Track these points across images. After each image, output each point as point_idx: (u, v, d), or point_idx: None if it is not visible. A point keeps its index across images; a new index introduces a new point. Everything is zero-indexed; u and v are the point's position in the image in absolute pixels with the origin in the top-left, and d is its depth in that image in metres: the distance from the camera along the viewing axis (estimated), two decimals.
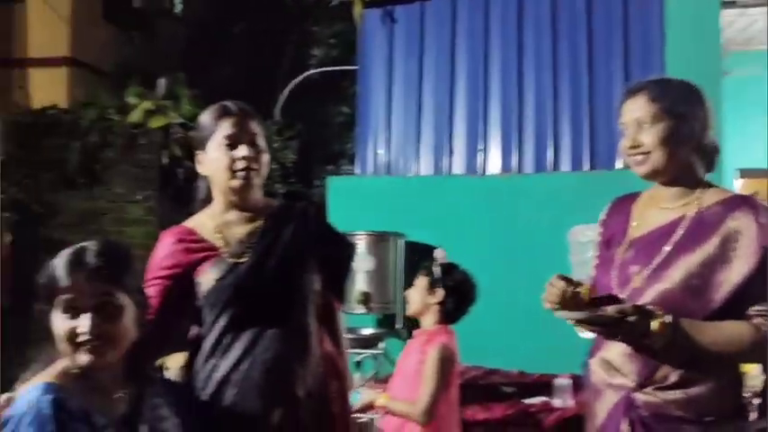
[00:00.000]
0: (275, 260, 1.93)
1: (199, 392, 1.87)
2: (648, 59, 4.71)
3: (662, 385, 1.73)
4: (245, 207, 2.00)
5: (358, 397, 2.66)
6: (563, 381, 3.35)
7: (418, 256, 4.10)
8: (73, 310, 1.52)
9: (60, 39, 8.27)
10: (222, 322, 1.89)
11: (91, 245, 1.57)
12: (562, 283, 1.73)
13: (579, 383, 2.99)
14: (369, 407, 2.65)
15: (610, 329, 1.71)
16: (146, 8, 8.57)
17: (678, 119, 1.79)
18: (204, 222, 2.00)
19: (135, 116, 5.78)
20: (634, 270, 1.79)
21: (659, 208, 1.85)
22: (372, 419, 3.01)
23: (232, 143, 1.95)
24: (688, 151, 1.81)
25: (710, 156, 1.86)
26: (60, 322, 1.53)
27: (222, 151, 1.95)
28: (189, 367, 1.95)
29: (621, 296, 1.77)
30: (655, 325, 1.66)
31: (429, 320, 2.69)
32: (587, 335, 1.84)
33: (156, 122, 5.76)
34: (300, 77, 7.68)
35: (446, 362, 2.55)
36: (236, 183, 1.95)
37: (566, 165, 4.89)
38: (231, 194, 1.98)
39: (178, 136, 5.66)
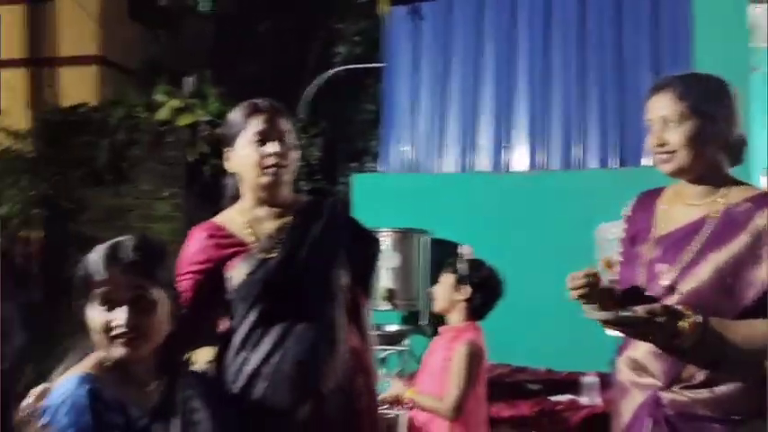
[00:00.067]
0: (304, 255, 1.95)
1: (229, 385, 1.89)
2: (676, 55, 4.66)
3: (689, 384, 1.72)
4: (274, 203, 2.02)
5: (387, 387, 2.67)
6: (590, 379, 3.33)
7: (443, 254, 4.11)
8: (109, 303, 1.55)
9: (89, 38, 8.40)
10: (252, 316, 1.91)
11: (127, 239, 1.60)
12: (584, 273, 1.74)
13: (607, 381, 2.98)
14: (396, 400, 2.66)
15: (639, 330, 1.70)
16: (171, 6, 8.67)
17: (705, 117, 1.77)
18: (234, 218, 2.02)
19: (162, 114, 5.85)
20: (662, 268, 1.78)
21: (685, 204, 1.83)
22: (398, 416, 3.01)
23: (262, 140, 1.97)
24: (714, 149, 1.79)
25: (737, 150, 1.84)
26: (96, 315, 1.56)
27: (252, 148, 1.97)
28: (217, 362, 1.98)
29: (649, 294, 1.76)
30: (684, 325, 1.65)
31: (456, 317, 2.68)
32: (615, 333, 1.83)
33: (183, 120, 5.82)
34: (325, 75, 7.71)
35: (474, 358, 2.55)
36: (265, 179, 1.97)
37: (593, 162, 4.86)
38: (260, 191, 2.00)
39: (205, 133, 5.72)
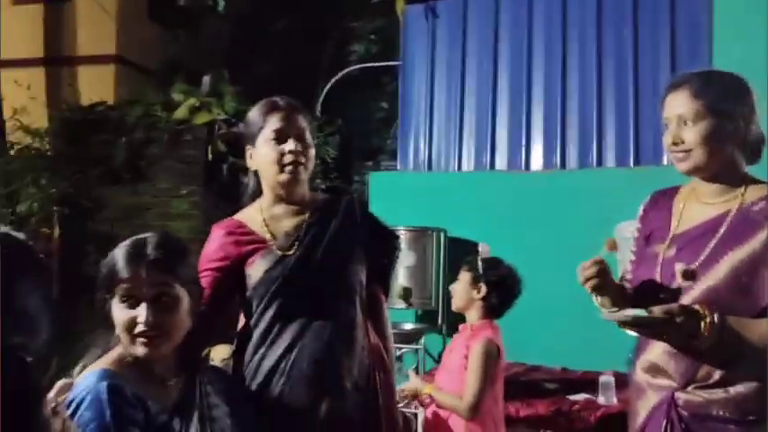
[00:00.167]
0: (322, 252, 1.97)
1: (248, 381, 1.90)
2: (695, 51, 4.62)
3: (704, 384, 1.71)
4: (292, 200, 2.03)
5: (407, 379, 2.68)
6: (607, 378, 3.32)
7: (459, 252, 4.10)
8: (131, 300, 1.57)
9: (108, 37, 8.45)
10: (271, 313, 1.92)
11: (150, 237, 1.62)
12: (591, 261, 1.77)
13: (623, 381, 2.96)
14: (414, 395, 2.66)
15: (656, 330, 1.69)
16: (189, 6, 8.70)
17: (721, 116, 1.75)
18: (253, 216, 2.03)
19: (180, 113, 5.88)
20: (679, 267, 1.76)
21: (702, 203, 1.82)
22: (416, 414, 3.02)
23: (280, 138, 1.98)
24: (731, 148, 1.77)
25: (755, 149, 1.82)
26: (119, 312, 1.58)
27: (271, 146, 1.98)
28: (236, 358, 1.99)
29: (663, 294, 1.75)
30: (702, 325, 1.64)
31: (473, 315, 2.68)
32: (632, 333, 1.83)
33: (200, 119, 5.84)
34: (341, 74, 7.72)
35: (491, 356, 2.54)
36: (284, 177, 1.98)
37: (610, 160, 4.83)
38: (279, 188, 2.01)
39: (222, 132, 5.74)
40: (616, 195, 4.30)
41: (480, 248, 2.78)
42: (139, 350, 1.57)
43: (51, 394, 1.54)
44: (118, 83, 8.25)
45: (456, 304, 2.73)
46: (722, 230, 1.75)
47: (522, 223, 4.55)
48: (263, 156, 2.00)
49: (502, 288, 2.66)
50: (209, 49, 7.82)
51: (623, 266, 2.00)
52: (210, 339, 2.08)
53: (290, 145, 1.97)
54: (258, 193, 2.07)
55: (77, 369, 1.61)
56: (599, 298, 1.88)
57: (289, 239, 1.98)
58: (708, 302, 1.68)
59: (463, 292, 2.69)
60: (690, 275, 1.73)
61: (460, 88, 5.28)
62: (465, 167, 5.23)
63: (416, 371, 3.89)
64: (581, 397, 3.36)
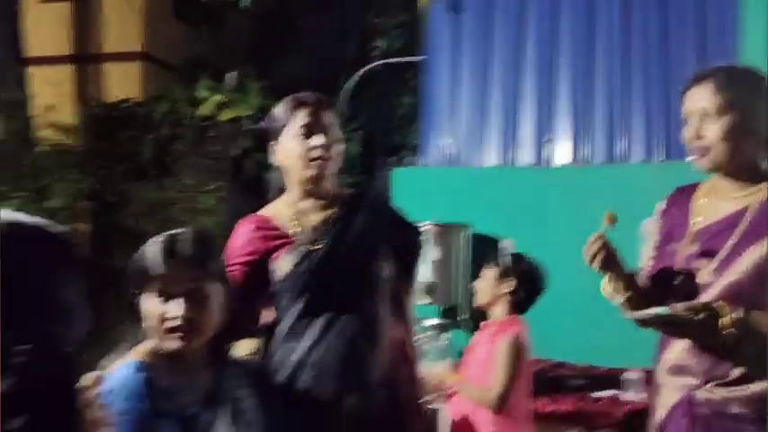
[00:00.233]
0: (348, 247, 1.98)
1: (275, 375, 1.92)
2: (723, 46, 4.55)
3: (723, 381, 1.69)
4: (319, 195, 2.04)
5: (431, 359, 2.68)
6: (633, 374, 3.30)
7: (484, 248, 4.09)
8: (165, 295, 1.60)
9: (134, 34, 8.55)
10: (298, 307, 1.94)
11: (183, 233, 1.65)
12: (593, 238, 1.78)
13: (650, 377, 2.94)
14: (441, 384, 2.66)
15: (678, 328, 1.68)
16: (213, 3, 8.78)
17: (744, 111, 1.73)
18: (280, 211, 2.05)
19: (206, 109, 5.94)
20: (699, 263, 1.75)
21: (722, 199, 1.80)
22: (440, 409, 3.02)
23: (307, 133, 1.99)
24: (752, 144, 1.75)
25: None
26: (153, 306, 1.60)
27: (297, 141, 2.00)
28: (263, 352, 2.01)
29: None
30: (726, 321, 1.63)
31: (499, 311, 2.68)
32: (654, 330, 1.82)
33: (226, 115, 5.90)
34: (364, 69, 7.73)
35: (518, 352, 2.54)
36: (310, 172, 1.99)
37: (637, 155, 4.77)
38: (306, 183, 2.02)
39: (248, 128, 5.78)
40: (643, 191, 4.27)
41: (504, 244, 2.78)
42: (172, 344, 1.60)
43: (84, 385, 1.56)
44: (144, 80, 8.35)
45: (480, 300, 2.73)
46: (743, 225, 1.73)
47: (546, 219, 4.52)
48: (289, 151, 2.01)
49: (528, 283, 2.66)
50: (233, 45, 7.87)
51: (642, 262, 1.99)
52: (239, 333, 2.10)
53: (317, 140, 1.98)
54: (283, 188, 2.09)
55: (107, 361, 1.64)
56: (611, 284, 1.86)
57: (315, 234, 1.99)
58: (730, 298, 1.66)
59: (489, 288, 2.69)
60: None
61: (485, 82, 5.25)
62: (489, 163, 5.21)
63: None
64: (606, 393, 3.34)
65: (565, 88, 5.00)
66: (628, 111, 4.81)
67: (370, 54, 9.26)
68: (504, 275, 2.65)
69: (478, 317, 2.85)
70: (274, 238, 1.99)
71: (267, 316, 2.05)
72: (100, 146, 6.23)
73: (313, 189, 2.03)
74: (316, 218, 2.02)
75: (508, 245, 2.79)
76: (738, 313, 1.63)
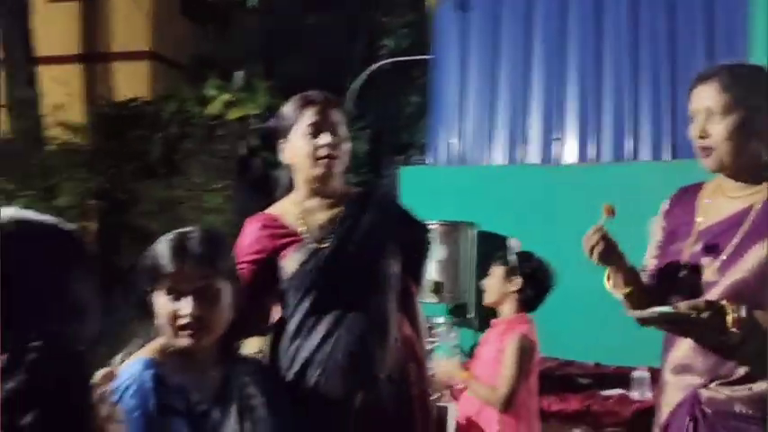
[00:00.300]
0: (356, 245, 1.98)
1: (283, 372, 1.93)
2: (732, 45, 4.53)
3: (727, 381, 1.69)
4: (326, 194, 2.05)
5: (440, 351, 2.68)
6: (641, 373, 3.29)
7: (491, 247, 4.09)
8: (175, 293, 1.61)
9: (142, 33, 8.57)
10: (305, 305, 1.95)
11: (193, 232, 1.66)
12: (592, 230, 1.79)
13: (657, 376, 2.94)
14: (449, 379, 2.66)
15: (682, 326, 1.68)
16: (220, 2, 8.80)
17: (750, 110, 1.72)
18: (287, 209, 2.06)
19: (214, 108, 5.95)
20: (705, 262, 1.75)
21: (727, 197, 1.80)
22: (447, 406, 3.02)
23: (314, 131, 2.00)
24: (757, 143, 1.75)
25: None
26: (163, 304, 1.61)
27: (305, 140, 2.00)
28: (271, 349, 2.02)
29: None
30: (730, 320, 1.62)
31: (507, 309, 2.68)
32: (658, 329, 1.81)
33: (234, 114, 5.91)
34: (372, 68, 7.73)
35: (526, 351, 2.54)
36: (318, 170, 2.00)
37: (646, 154, 4.75)
38: (313, 182, 2.03)
39: (255, 127, 5.80)
40: (651, 189, 4.24)
41: (511, 243, 2.78)
42: (183, 342, 1.61)
43: (96, 382, 1.58)
44: (152, 79, 8.38)
45: (489, 299, 2.73)
46: (747, 224, 1.73)
47: (554, 218, 4.51)
48: (297, 149, 2.02)
49: (536, 280, 2.66)
50: (240, 44, 7.89)
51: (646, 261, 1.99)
52: (247, 331, 2.11)
53: (324, 138, 1.99)
54: (291, 187, 2.09)
55: (119, 358, 1.65)
56: (611, 278, 1.86)
57: (323, 232, 2.00)
58: (734, 297, 1.66)
59: (497, 286, 2.69)
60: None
61: (492, 81, 5.25)
62: (496, 161, 5.20)
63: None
64: (614, 392, 3.34)
65: (573, 87, 4.98)
66: (636, 109, 4.80)
67: (378, 53, 9.26)
68: (511, 274, 2.65)
69: (485, 315, 2.85)
70: (282, 237, 2.00)
71: (277, 313, 2.06)
72: (108, 145, 6.25)
73: (320, 187, 2.04)
74: (323, 216, 2.03)
75: (515, 243, 2.79)
76: (742, 312, 1.63)
